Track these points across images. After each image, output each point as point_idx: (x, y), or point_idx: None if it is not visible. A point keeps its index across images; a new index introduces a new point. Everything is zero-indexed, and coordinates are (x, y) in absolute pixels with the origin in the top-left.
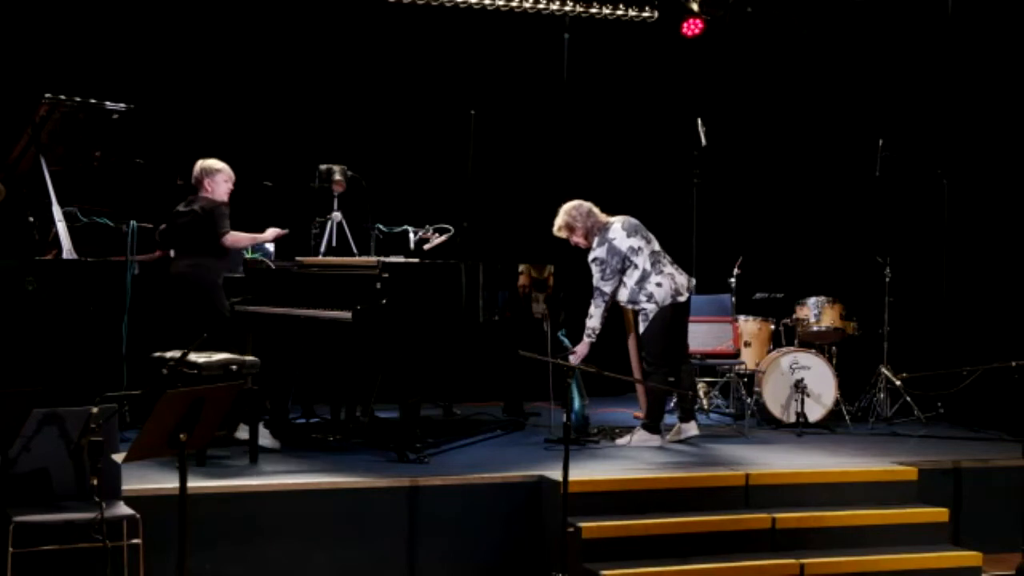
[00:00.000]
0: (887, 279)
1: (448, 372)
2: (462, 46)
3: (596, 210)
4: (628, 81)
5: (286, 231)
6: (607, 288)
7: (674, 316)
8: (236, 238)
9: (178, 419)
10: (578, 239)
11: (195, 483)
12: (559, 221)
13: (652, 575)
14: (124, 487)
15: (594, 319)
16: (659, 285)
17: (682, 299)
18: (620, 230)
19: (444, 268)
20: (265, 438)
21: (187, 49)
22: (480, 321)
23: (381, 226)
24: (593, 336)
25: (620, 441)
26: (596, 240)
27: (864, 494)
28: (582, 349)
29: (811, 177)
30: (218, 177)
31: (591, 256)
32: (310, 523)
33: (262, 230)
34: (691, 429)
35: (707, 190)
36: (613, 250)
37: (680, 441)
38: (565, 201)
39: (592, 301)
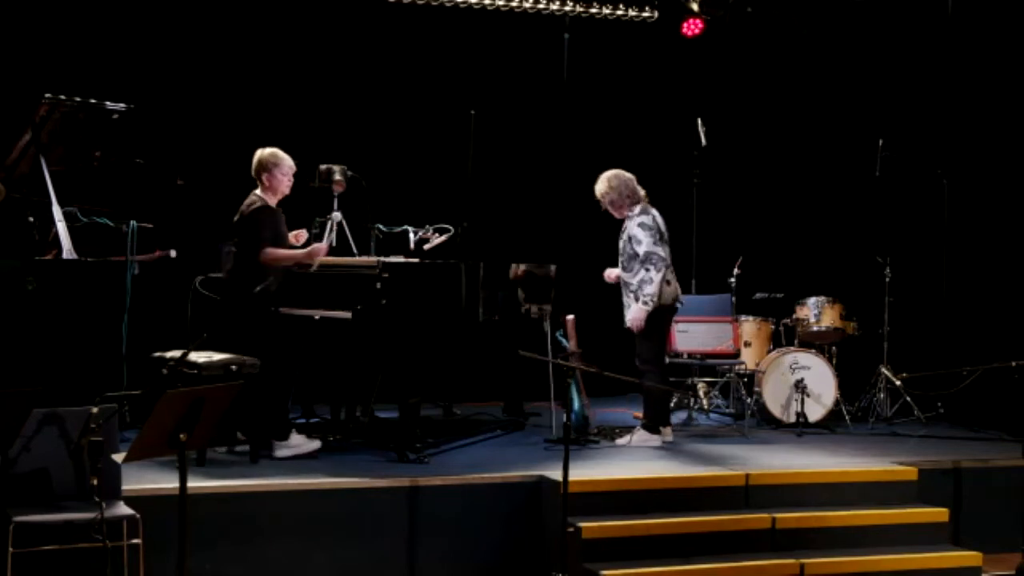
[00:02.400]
0: (887, 279)
1: (448, 372)
2: (462, 46)
3: (635, 182)
4: (628, 81)
5: (326, 246)
6: (663, 252)
7: (668, 320)
8: (274, 255)
9: (178, 419)
10: (613, 206)
11: (195, 483)
12: (601, 186)
13: (652, 575)
14: (124, 487)
15: (654, 284)
16: (668, 283)
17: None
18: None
19: (444, 268)
20: (302, 442)
21: (187, 49)
22: (480, 321)
23: (381, 226)
24: (651, 304)
25: (620, 441)
26: (638, 208)
27: (864, 494)
28: (640, 315)
29: (811, 177)
30: (276, 172)
31: (637, 221)
32: (310, 523)
33: None
34: (666, 434)
35: (707, 190)
36: (656, 220)
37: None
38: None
39: (649, 268)
